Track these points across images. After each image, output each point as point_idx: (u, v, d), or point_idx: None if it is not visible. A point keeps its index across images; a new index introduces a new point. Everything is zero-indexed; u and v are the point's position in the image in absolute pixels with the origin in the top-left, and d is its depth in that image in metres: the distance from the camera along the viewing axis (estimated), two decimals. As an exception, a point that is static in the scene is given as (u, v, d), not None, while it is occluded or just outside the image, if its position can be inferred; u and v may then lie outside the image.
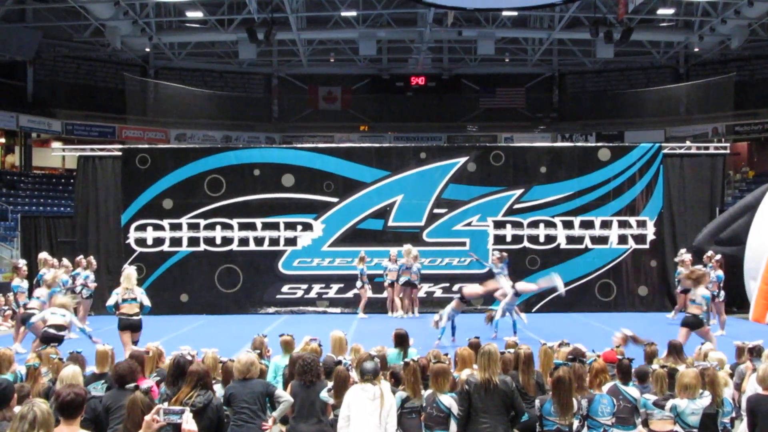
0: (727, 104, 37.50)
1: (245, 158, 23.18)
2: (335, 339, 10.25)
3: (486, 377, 7.42)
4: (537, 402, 7.79)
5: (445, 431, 7.71)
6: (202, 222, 22.72)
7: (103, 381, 8.70)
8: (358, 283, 21.39)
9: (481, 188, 22.86)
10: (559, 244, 22.65)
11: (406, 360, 8.29)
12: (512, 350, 9.77)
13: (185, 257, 22.65)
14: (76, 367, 8.02)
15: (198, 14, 34.33)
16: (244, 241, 22.72)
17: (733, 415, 8.61)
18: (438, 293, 22.57)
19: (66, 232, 23.68)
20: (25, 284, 17.71)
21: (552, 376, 7.78)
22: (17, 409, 5.44)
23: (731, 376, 9.56)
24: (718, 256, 18.85)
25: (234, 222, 22.74)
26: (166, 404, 6.21)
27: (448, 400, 7.69)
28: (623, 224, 22.85)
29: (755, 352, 9.66)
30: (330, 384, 8.08)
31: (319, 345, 10.06)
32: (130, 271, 14.65)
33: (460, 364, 9.12)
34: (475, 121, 42.59)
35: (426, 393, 7.94)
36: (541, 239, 22.76)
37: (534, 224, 22.78)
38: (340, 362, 8.40)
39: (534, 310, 22.35)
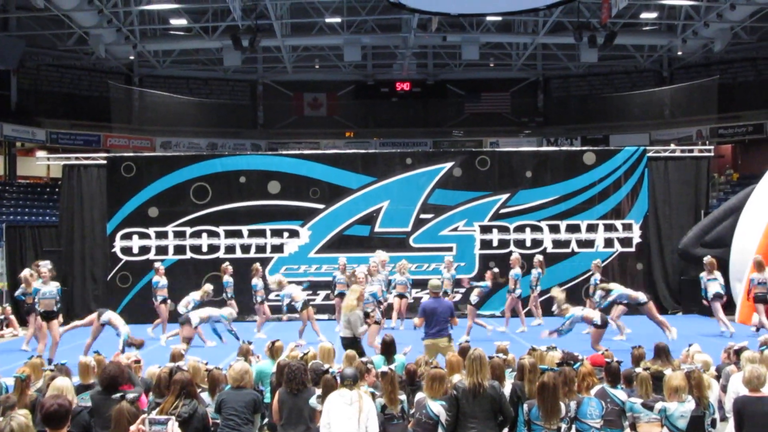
0: (710, 107, 37.66)
1: (231, 165, 23.13)
2: (323, 350, 10.22)
3: (475, 382, 7.40)
4: (525, 407, 7.77)
5: (434, 438, 7.69)
6: (188, 230, 22.65)
7: (89, 392, 8.64)
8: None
9: (467, 193, 22.87)
10: (545, 248, 22.65)
11: (383, 369, 8.25)
12: (502, 355, 9.76)
13: (171, 265, 22.45)
14: (67, 379, 8.00)
15: (182, 22, 34.23)
16: (230, 249, 22.66)
17: (716, 416, 8.64)
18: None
19: (51, 242, 23.50)
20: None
21: (537, 381, 7.77)
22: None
23: (717, 378, 9.60)
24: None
25: (220, 230, 22.68)
26: (153, 413, 6.19)
27: (437, 408, 7.65)
28: (609, 227, 22.91)
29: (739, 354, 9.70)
30: (319, 391, 8.07)
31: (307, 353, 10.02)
32: None
33: (448, 370, 9.10)
34: (461, 126, 42.63)
35: (417, 397, 7.93)
36: (528, 243, 22.78)
37: (520, 228, 22.81)
38: (327, 370, 8.37)
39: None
